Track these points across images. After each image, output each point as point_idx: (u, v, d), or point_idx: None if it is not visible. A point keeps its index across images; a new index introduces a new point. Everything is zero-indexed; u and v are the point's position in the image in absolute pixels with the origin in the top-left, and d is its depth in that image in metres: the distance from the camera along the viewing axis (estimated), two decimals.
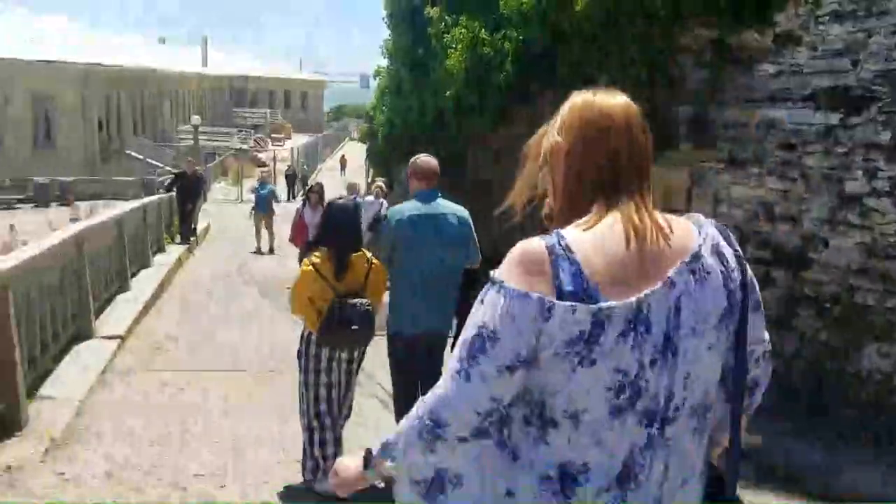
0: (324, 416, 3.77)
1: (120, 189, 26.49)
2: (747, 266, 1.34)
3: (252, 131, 47.26)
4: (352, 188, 11.54)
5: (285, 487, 3.96)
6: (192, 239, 14.03)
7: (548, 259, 1.23)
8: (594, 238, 1.24)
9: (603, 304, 1.19)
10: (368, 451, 1.41)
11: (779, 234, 6.16)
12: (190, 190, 14.22)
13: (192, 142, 34.11)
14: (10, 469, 3.94)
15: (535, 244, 1.26)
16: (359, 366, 3.94)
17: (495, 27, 11.57)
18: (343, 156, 48.52)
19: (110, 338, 6.81)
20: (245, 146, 42.14)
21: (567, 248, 1.23)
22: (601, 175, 1.30)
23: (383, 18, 17.78)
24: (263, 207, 14.89)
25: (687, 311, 1.24)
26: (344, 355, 3.79)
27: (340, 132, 60.95)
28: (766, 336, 1.44)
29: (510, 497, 1.28)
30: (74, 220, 15.37)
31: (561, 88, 9.67)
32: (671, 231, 1.28)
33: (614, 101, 1.35)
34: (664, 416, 1.25)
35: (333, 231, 3.79)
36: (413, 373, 3.74)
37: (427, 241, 3.75)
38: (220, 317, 8.25)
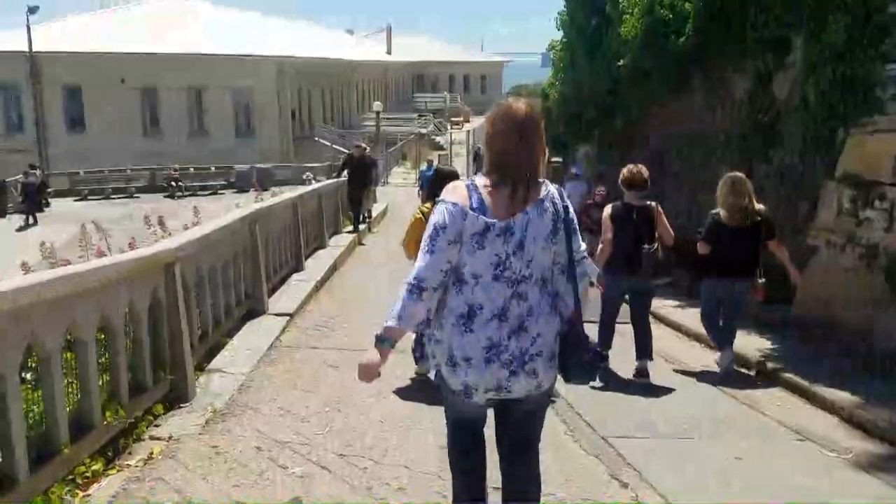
0: None
1: (310, 174, 28.19)
2: (570, 208, 2.69)
3: (431, 115, 48.27)
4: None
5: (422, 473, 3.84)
6: (365, 222, 14.41)
7: (466, 192, 2.58)
8: (491, 187, 2.58)
9: (489, 220, 2.53)
10: (377, 335, 2.59)
11: None
12: (360, 174, 13.86)
13: (374, 128, 35.43)
14: (170, 439, 4.13)
15: (460, 183, 2.67)
16: None
17: None
18: None
19: (280, 315, 7.10)
20: (424, 130, 43.13)
21: (475, 188, 2.59)
22: (502, 156, 2.61)
23: None
24: None
25: (532, 228, 2.57)
26: None
27: None
28: (583, 246, 2.73)
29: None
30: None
31: (742, 54, 8.75)
32: (530, 189, 2.58)
33: (518, 107, 2.63)
34: (519, 280, 2.58)
35: (440, 186, 3.94)
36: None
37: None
38: (386, 299, 8.32)
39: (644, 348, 6.07)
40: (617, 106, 14.19)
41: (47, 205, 27.89)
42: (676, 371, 6.53)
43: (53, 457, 3.28)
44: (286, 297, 7.85)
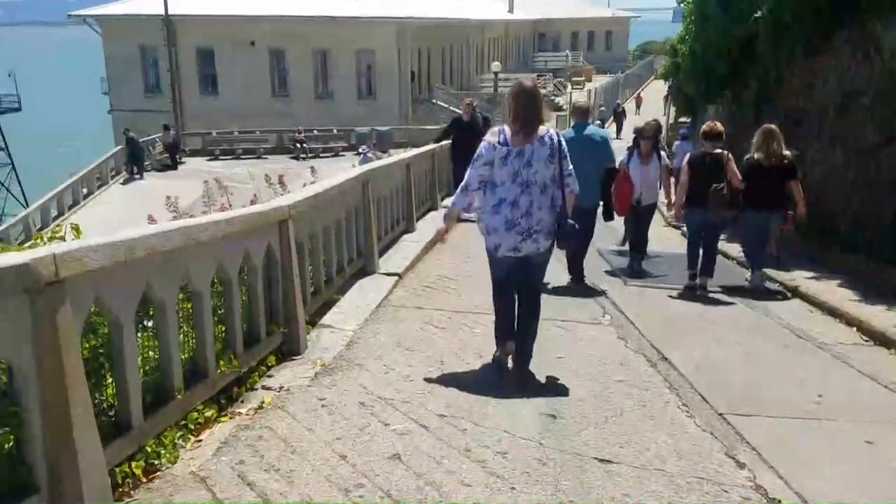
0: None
1: (425, 137, 28.35)
2: (562, 141, 4.48)
3: (551, 75, 47.25)
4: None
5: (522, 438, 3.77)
6: None
7: (497, 133, 4.47)
8: (512, 130, 4.44)
9: (509, 148, 4.41)
10: (444, 214, 5.66)
11: None
12: (467, 137, 11.18)
13: (492, 89, 35.08)
14: (281, 390, 4.26)
15: (496, 128, 4.61)
16: None
17: None
18: (639, 94, 46.82)
19: (390, 275, 7.17)
20: (544, 91, 42.28)
21: (503, 131, 4.47)
22: (517, 112, 4.45)
23: None
24: None
25: (535, 154, 4.40)
26: None
27: (644, 70, 58.26)
28: (571, 167, 4.51)
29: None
30: None
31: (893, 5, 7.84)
32: (535, 131, 4.42)
33: (527, 84, 4.59)
34: (528, 184, 4.42)
35: None
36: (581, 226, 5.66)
37: (583, 154, 6.45)
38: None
39: (707, 269, 7.62)
40: (751, 63, 13.26)
41: (182, 163, 29.62)
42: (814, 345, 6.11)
43: (167, 402, 3.43)
44: (396, 258, 7.93)
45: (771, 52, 11.81)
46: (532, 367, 4.74)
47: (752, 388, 4.94)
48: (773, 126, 7.66)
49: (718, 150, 7.35)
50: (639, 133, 8.55)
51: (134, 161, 28.19)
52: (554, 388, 4.61)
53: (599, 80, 48.74)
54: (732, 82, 14.93)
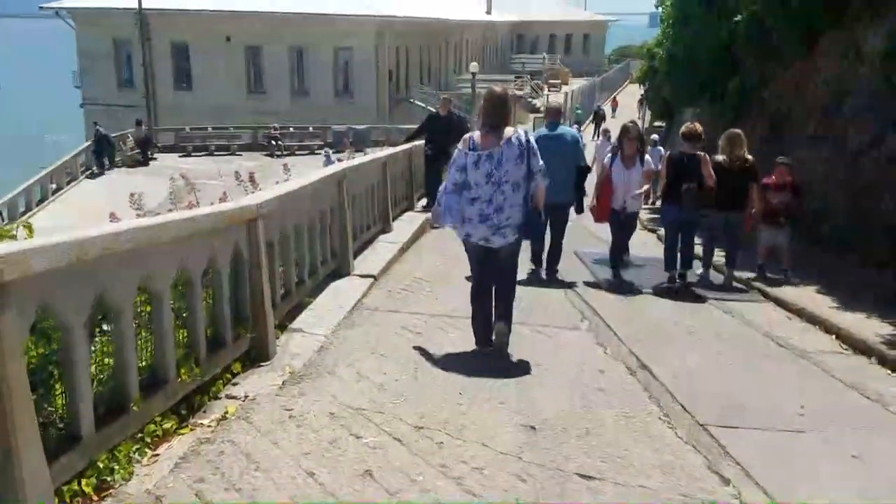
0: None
1: (403, 136, 28.12)
2: (531, 141, 4.92)
3: (528, 77, 47.26)
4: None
5: (499, 452, 3.59)
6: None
7: (467, 139, 4.94)
8: (482, 133, 4.89)
9: (480, 152, 4.84)
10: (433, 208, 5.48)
11: None
12: (443, 133, 10.91)
13: (470, 89, 34.95)
14: (246, 399, 4.04)
15: (467, 136, 5.03)
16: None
17: None
18: (615, 98, 47.14)
19: (365, 276, 6.97)
20: (520, 93, 42.27)
21: (472, 137, 4.94)
22: (487, 116, 4.92)
23: None
24: None
25: (504, 155, 4.81)
26: None
27: (620, 74, 58.52)
28: (541, 163, 4.93)
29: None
30: None
31: (879, 9, 7.86)
32: (504, 132, 4.86)
33: (498, 91, 5.05)
34: (500, 183, 4.82)
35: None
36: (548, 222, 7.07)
37: (554, 151, 6.79)
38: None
39: (686, 263, 7.98)
40: (732, 66, 13.24)
41: (154, 158, 29.08)
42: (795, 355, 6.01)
43: (122, 413, 3.20)
44: (372, 259, 7.73)
45: (752, 55, 11.79)
46: (510, 374, 4.58)
47: (734, 397, 4.81)
48: (737, 131, 8.12)
49: (697, 152, 7.68)
50: (623, 132, 7.96)
51: (104, 157, 27.60)
52: (533, 398, 4.44)
53: (576, 83, 48.84)
54: (713, 85, 14.91)
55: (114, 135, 28.70)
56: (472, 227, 4.91)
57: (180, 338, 3.85)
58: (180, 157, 30.46)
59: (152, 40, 35.71)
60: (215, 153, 30.82)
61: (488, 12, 56.50)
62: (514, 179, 4.79)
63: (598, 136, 26.66)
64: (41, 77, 76.15)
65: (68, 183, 26.55)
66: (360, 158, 9.26)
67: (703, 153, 7.67)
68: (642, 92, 30.52)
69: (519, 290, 5.37)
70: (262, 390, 4.18)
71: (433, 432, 3.80)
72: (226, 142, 31.87)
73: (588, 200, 8.15)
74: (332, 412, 3.95)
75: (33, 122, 56.36)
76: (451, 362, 4.88)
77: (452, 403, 4.20)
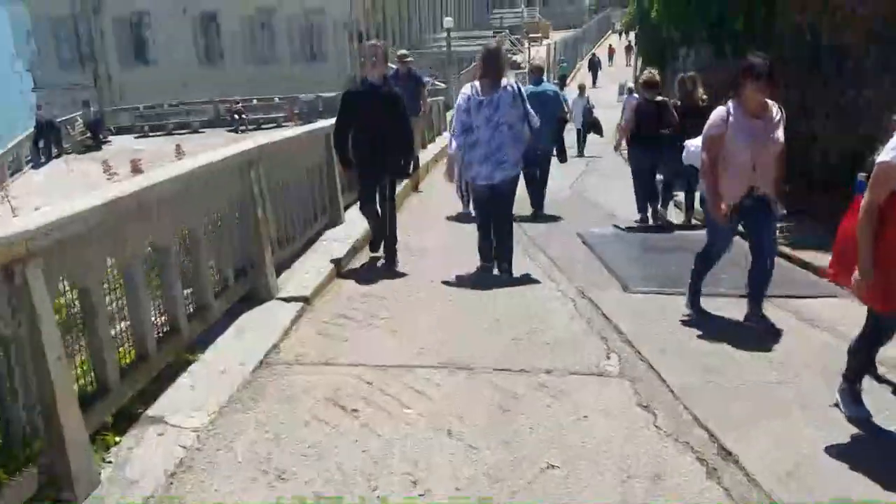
0: None
1: None
2: (521, 88, 5.86)
3: (507, 32, 44.69)
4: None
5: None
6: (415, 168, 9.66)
7: (469, 87, 5.80)
8: (481, 82, 5.72)
9: (481, 97, 5.67)
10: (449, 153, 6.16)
11: None
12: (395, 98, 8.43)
13: (445, 48, 32.51)
14: None
15: (468, 84, 5.91)
16: None
17: None
18: (611, 45, 45.69)
19: (292, 300, 4.94)
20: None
21: (474, 84, 5.77)
22: (485, 68, 5.74)
23: None
24: None
25: (501, 100, 5.64)
26: None
27: (602, 24, 55.89)
28: (530, 108, 5.81)
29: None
30: None
31: None
32: (500, 81, 5.67)
33: (493, 46, 6.28)
34: (497, 125, 5.65)
35: None
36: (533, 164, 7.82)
37: (541, 104, 7.29)
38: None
39: (658, 199, 8.45)
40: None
41: (107, 142, 26.70)
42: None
43: None
44: (308, 269, 5.66)
45: None
46: (506, 487, 2.60)
47: None
48: (691, 73, 8.65)
49: (658, 98, 8.25)
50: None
51: (50, 144, 25.19)
52: None
53: (557, 36, 46.39)
54: (719, 23, 12.79)
55: (61, 119, 26.23)
56: (477, 167, 5.73)
57: None
58: (136, 137, 28.04)
59: (101, 13, 32.92)
60: (174, 132, 28.37)
61: None
62: (510, 121, 5.64)
63: (595, 85, 25.43)
64: None
65: (12, 175, 24.17)
66: (286, 132, 7.08)
67: (665, 98, 8.35)
68: (634, 37, 28.50)
69: (507, 298, 5.27)
70: None
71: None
72: (185, 119, 29.43)
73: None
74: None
75: None
76: (403, 479, 2.86)
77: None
